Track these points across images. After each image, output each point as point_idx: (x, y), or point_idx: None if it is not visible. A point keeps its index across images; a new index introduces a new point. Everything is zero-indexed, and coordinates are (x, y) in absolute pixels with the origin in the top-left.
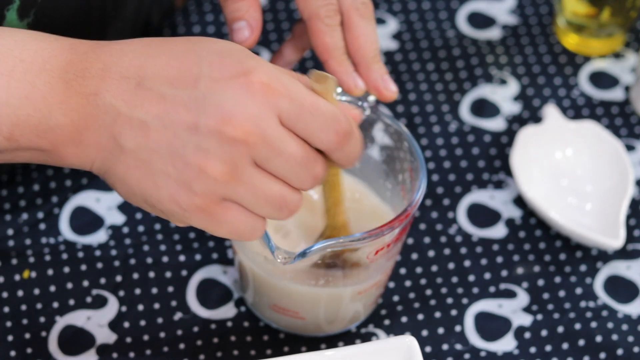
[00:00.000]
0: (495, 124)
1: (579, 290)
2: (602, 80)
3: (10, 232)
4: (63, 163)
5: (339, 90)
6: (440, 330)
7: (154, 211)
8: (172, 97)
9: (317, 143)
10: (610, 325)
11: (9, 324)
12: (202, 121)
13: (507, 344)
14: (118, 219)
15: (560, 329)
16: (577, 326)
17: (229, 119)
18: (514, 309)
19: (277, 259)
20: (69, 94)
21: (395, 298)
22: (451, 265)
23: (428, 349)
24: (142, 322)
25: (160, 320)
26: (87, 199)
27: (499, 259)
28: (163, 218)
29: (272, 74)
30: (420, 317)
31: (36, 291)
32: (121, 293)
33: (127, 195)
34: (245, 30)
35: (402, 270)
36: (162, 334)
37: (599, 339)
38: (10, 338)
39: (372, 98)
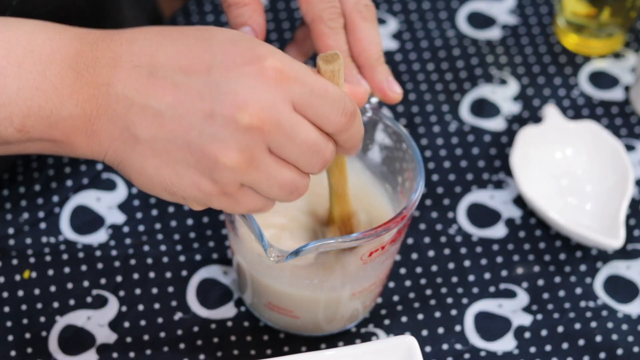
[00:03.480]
0: (495, 124)
1: (578, 290)
2: (602, 80)
3: (11, 231)
4: (75, 153)
5: None
6: (440, 330)
7: (173, 198)
8: (186, 86)
9: (326, 126)
10: (610, 325)
11: (9, 323)
12: (217, 110)
13: (507, 343)
14: (118, 218)
15: (560, 329)
16: (577, 326)
17: (244, 106)
18: (514, 308)
19: (270, 257)
20: (80, 84)
21: (395, 298)
22: (451, 265)
23: (428, 348)
24: (142, 322)
25: (160, 320)
26: (87, 198)
27: (499, 259)
28: (180, 203)
29: (284, 60)
30: (420, 317)
31: (36, 291)
32: (121, 293)
33: (144, 185)
34: (250, 36)
35: (402, 270)
36: (162, 334)
37: (598, 338)
38: (10, 338)
39: (374, 99)
